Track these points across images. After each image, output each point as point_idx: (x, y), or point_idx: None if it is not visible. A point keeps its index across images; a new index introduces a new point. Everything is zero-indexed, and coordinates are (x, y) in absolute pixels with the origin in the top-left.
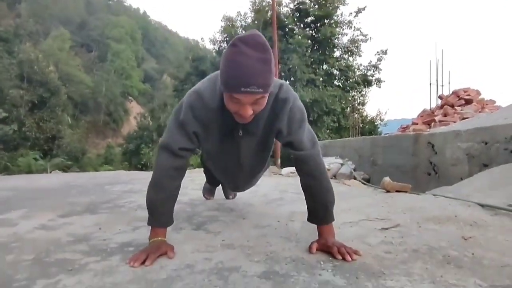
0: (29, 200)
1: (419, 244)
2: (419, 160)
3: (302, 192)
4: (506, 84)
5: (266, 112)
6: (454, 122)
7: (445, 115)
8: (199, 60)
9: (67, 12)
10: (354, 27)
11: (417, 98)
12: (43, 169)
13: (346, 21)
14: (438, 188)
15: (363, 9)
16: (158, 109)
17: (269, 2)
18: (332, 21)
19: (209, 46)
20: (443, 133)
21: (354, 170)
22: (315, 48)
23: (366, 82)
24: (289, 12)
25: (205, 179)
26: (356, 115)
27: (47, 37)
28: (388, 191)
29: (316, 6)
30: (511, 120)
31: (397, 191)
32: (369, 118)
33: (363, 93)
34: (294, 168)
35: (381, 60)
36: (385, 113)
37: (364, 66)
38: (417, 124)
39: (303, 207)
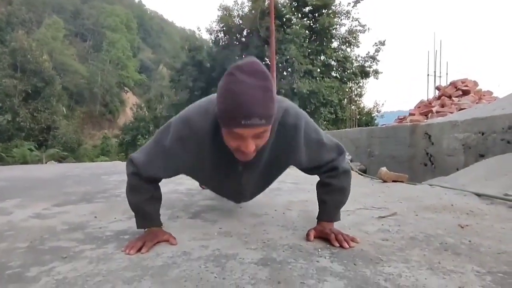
0: (23, 190)
1: (416, 231)
2: (416, 151)
3: (299, 182)
4: (504, 76)
5: (271, 143)
6: (451, 113)
7: (442, 106)
8: (195, 50)
9: (60, 0)
10: (353, 17)
11: (414, 90)
12: (38, 159)
13: (344, 11)
14: (434, 178)
15: None
16: (154, 100)
17: None
18: (330, 11)
19: (206, 36)
20: (440, 124)
21: (351, 161)
22: (312, 38)
23: (364, 73)
24: (287, 1)
25: None
26: (353, 106)
27: (40, 25)
28: (384, 181)
29: None
30: (508, 110)
31: (393, 181)
32: (366, 109)
33: (361, 84)
34: None
35: (379, 51)
36: (382, 104)
37: (362, 57)
38: (414, 115)
39: (301, 197)
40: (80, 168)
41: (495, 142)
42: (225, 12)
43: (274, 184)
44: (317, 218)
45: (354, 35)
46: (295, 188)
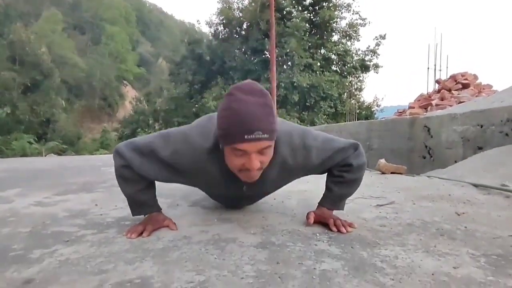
0: (24, 180)
1: (413, 218)
2: (415, 144)
3: None
4: (504, 69)
5: (279, 161)
6: (451, 106)
7: (442, 99)
8: (195, 43)
9: None
10: (353, 10)
11: (414, 85)
12: (38, 152)
13: (345, 4)
14: (433, 171)
15: None
16: (154, 93)
17: None
18: (330, 4)
19: (206, 29)
20: (439, 117)
21: None
22: (313, 32)
23: (364, 67)
24: None
25: None
26: (353, 100)
27: (38, 18)
28: (383, 173)
29: None
30: (506, 103)
31: (392, 172)
32: (366, 104)
33: (361, 78)
34: None
35: (379, 45)
36: (382, 99)
37: (362, 51)
38: (413, 108)
39: (300, 187)
40: (80, 160)
41: (493, 134)
42: (225, 5)
43: None
44: (318, 203)
45: (355, 28)
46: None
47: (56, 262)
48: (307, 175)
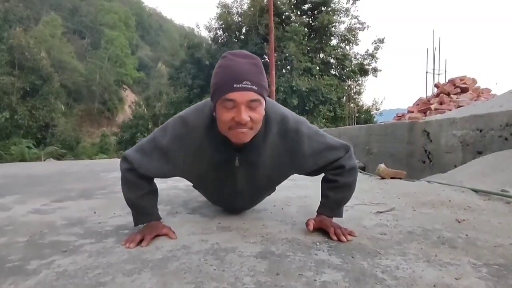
0: (22, 186)
1: (414, 226)
2: (414, 148)
3: (298, 179)
4: (502, 74)
5: (271, 141)
6: (450, 110)
7: (441, 103)
8: (194, 48)
9: None
10: (352, 15)
11: (413, 88)
12: (36, 157)
13: (344, 9)
14: (432, 175)
15: None
16: (153, 97)
17: None
18: (329, 9)
19: (205, 33)
20: (438, 121)
21: None
22: (311, 36)
23: (363, 71)
24: None
25: None
26: (352, 104)
27: (38, 23)
28: (383, 178)
29: None
30: (505, 107)
31: (392, 177)
32: (365, 107)
33: (360, 82)
34: None
35: (378, 48)
36: (381, 102)
37: (360, 55)
38: (412, 112)
39: (299, 192)
40: (79, 165)
41: (492, 139)
42: (224, 9)
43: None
44: (317, 211)
45: (353, 32)
46: (293, 185)
47: (53, 274)
48: (298, 171)
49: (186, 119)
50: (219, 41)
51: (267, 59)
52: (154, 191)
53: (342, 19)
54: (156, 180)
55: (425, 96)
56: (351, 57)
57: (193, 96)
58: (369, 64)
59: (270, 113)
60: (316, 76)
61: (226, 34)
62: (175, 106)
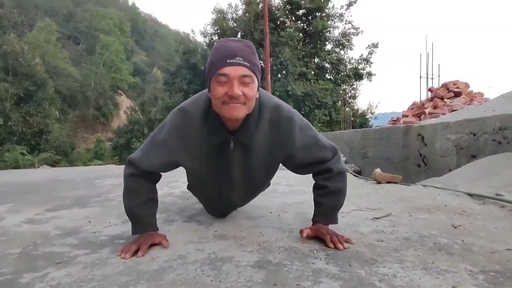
0: (16, 195)
1: (410, 232)
2: (409, 152)
3: (294, 184)
4: (494, 78)
5: (265, 127)
6: (444, 114)
7: (435, 107)
8: (190, 53)
9: (53, 3)
10: (346, 20)
11: (407, 92)
12: (30, 164)
13: (338, 14)
14: (428, 179)
15: (355, 1)
16: (148, 102)
17: None
18: (323, 14)
19: (200, 39)
20: (433, 125)
21: (346, 162)
22: (306, 41)
23: (357, 75)
24: (281, 4)
25: None
26: (347, 108)
27: (32, 28)
28: (379, 182)
29: None
30: (498, 112)
31: (387, 182)
32: (360, 111)
33: (354, 86)
34: None
35: (372, 53)
36: (376, 106)
37: (355, 59)
38: (407, 116)
39: (296, 198)
40: (74, 172)
41: (486, 142)
42: (219, 15)
43: (269, 187)
44: (312, 220)
45: (348, 37)
46: (290, 190)
47: (47, 287)
48: (288, 162)
49: (183, 108)
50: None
51: (262, 64)
52: (153, 201)
53: (336, 24)
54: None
55: (419, 100)
56: (346, 61)
57: None
58: (363, 69)
59: (264, 100)
60: (311, 80)
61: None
62: (170, 111)
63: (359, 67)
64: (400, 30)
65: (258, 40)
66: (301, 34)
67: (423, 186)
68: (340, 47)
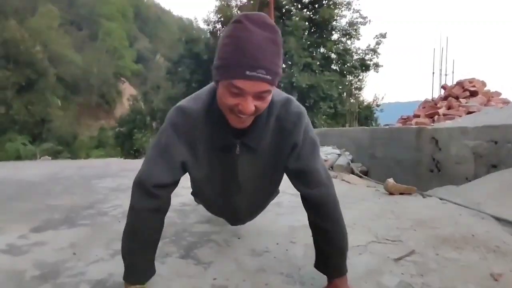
0: (6, 201)
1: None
2: (422, 156)
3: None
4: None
5: (272, 126)
6: (460, 116)
7: (449, 107)
8: (192, 42)
9: None
10: (353, 9)
11: (413, 82)
12: (32, 154)
13: (345, 2)
14: (442, 187)
15: None
16: (151, 91)
17: None
18: (331, 2)
19: (203, 26)
20: (449, 129)
21: (352, 161)
22: (312, 30)
23: (364, 66)
24: None
25: None
26: (353, 100)
27: (34, 14)
28: (391, 193)
29: None
30: None
31: (401, 193)
32: (365, 103)
33: (360, 77)
34: None
35: (379, 43)
36: (382, 98)
37: (362, 50)
38: (419, 116)
39: (303, 218)
40: (72, 168)
41: (509, 153)
42: (223, 2)
43: (274, 199)
44: (324, 273)
45: (355, 27)
46: (297, 204)
47: None
48: (288, 163)
49: (182, 107)
50: (218, 35)
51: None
52: (156, 242)
53: (344, 13)
54: None
55: (431, 98)
56: (353, 52)
57: (191, 91)
58: (370, 59)
59: (275, 95)
60: (317, 71)
61: (225, 28)
62: (173, 101)
63: (366, 57)
64: (410, 21)
65: None
66: (307, 23)
67: (440, 199)
68: (347, 37)
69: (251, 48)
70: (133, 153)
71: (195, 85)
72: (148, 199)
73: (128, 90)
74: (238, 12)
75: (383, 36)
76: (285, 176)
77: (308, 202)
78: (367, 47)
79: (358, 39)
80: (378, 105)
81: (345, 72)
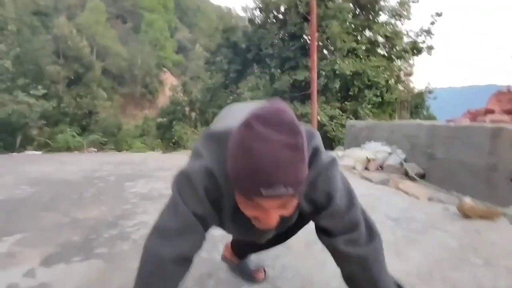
0: (37, 211)
1: None
2: (499, 161)
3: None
4: None
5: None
6: None
7: None
8: (230, 31)
9: None
10: None
11: (468, 65)
12: (80, 145)
13: None
14: None
15: None
16: (190, 81)
17: None
18: None
19: (241, 13)
20: None
21: (405, 161)
22: (357, 12)
23: (416, 49)
24: None
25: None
26: (402, 87)
27: (83, 9)
28: (467, 216)
29: None
30: None
31: (480, 217)
32: (415, 90)
33: (411, 61)
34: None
35: (434, 23)
36: (434, 88)
37: (414, 31)
38: (493, 111)
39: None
40: (111, 164)
41: None
42: None
43: (311, 235)
44: None
45: (406, 6)
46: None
47: None
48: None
49: (207, 167)
50: (256, 22)
51: (307, 40)
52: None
53: None
54: None
55: (505, 88)
56: (403, 34)
57: (229, 82)
58: (423, 42)
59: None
60: (362, 57)
61: (263, 14)
62: (211, 92)
63: (418, 39)
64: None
65: (303, 13)
66: (351, 5)
67: None
68: (397, 17)
69: (265, 162)
70: (172, 145)
71: (232, 75)
72: (172, 243)
73: (169, 80)
74: None
75: (439, 15)
76: None
77: (343, 260)
78: (420, 28)
79: (409, 19)
80: (430, 92)
81: (393, 56)
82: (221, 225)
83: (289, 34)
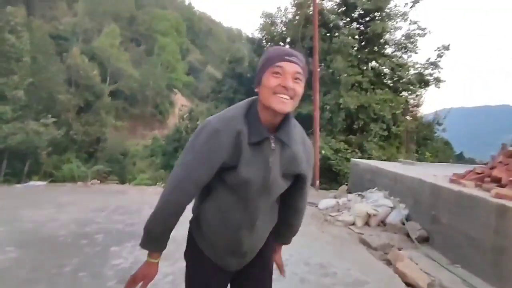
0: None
1: None
2: (507, 244)
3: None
4: None
5: (297, 132)
6: None
7: None
8: (236, 62)
9: (118, 7)
10: (410, 20)
11: (480, 85)
12: (84, 176)
13: (401, 13)
14: None
15: None
16: (196, 110)
17: None
18: (384, 14)
19: (247, 45)
20: None
21: (407, 218)
22: (362, 45)
23: (423, 82)
24: (334, 6)
25: None
26: (409, 117)
27: (100, 34)
28: None
29: None
30: None
31: None
32: (424, 121)
33: (418, 93)
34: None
35: (441, 56)
36: (444, 117)
37: (420, 64)
38: (499, 180)
39: None
40: (106, 211)
41: None
42: (267, 19)
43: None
44: (281, 242)
45: (412, 39)
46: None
47: None
48: (299, 175)
49: (223, 115)
50: (261, 53)
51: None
52: (173, 226)
53: (399, 24)
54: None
55: None
56: (409, 66)
57: None
58: (430, 74)
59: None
60: (367, 90)
61: (270, 45)
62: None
63: (425, 72)
64: (476, 28)
65: (308, 48)
66: (356, 37)
67: None
68: (403, 50)
69: (286, 49)
70: None
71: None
72: (186, 197)
73: (180, 100)
74: (284, 29)
75: (446, 48)
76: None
77: (291, 196)
78: (426, 60)
79: (416, 52)
80: (439, 124)
81: (400, 89)
82: (238, 170)
83: None
